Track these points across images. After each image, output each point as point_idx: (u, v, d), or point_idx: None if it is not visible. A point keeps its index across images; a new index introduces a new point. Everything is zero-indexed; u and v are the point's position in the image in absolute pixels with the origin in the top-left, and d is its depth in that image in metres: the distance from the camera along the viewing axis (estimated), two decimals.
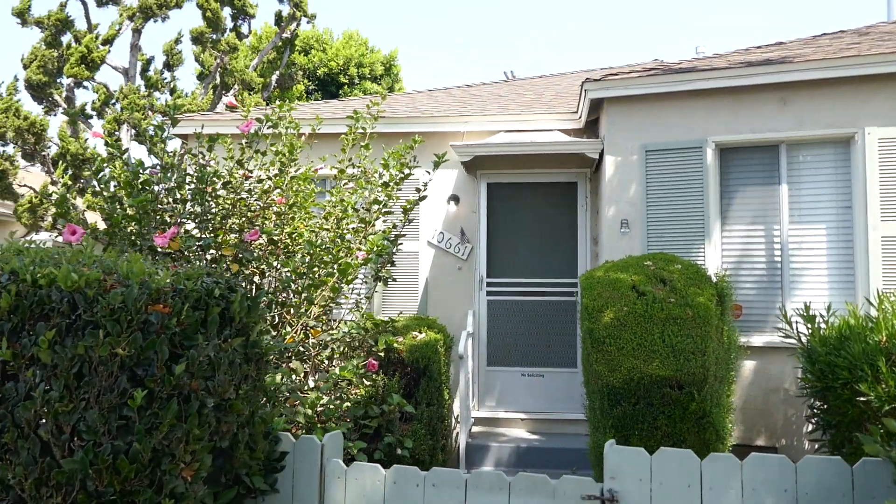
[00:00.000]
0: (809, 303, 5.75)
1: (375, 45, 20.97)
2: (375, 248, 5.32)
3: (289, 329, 5.40)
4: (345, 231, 5.78)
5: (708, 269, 6.60)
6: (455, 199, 8.36)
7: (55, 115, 15.42)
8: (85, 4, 15.88)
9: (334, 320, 6.18)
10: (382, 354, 5.90)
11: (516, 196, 8.36)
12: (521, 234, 8.28)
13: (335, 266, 5.12)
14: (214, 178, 5.40)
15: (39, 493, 2.56)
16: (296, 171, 6.10)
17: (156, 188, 5.45)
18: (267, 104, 16.86)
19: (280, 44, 18.18)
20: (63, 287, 2.64)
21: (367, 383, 5.61)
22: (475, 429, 7.85)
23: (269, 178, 5.65)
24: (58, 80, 14.47)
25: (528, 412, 7.94)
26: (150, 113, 13.69)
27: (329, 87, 19.72)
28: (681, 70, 6.92)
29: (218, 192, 5.45)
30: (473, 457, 7.00)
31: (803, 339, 5.60)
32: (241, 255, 5.25)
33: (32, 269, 2.72)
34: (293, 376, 5.21)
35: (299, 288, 5.08)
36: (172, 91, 17.60)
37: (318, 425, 4.84)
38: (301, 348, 4.92)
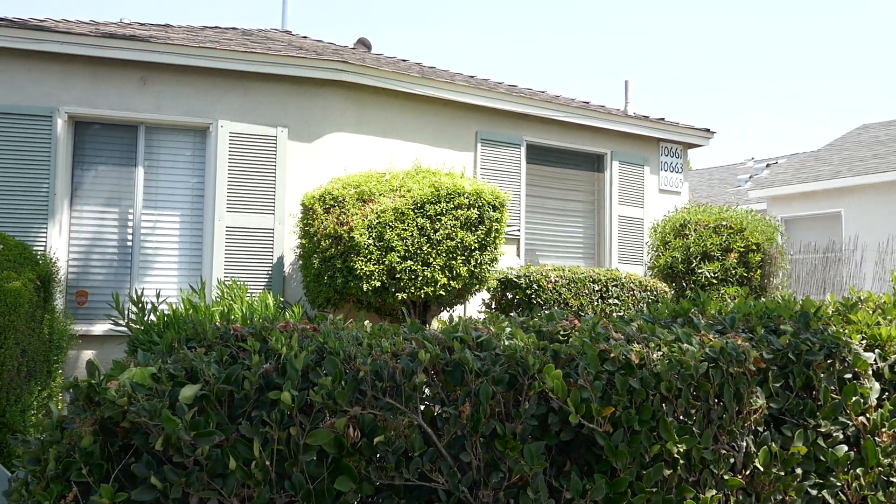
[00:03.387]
0: (143, 290, 5.65)
1: None
2: None
3: None
4: None
5: (50, 251, 6.01)
6: None
7: None
8: None
9: None
10: None
11: None
12: None
13: None
14: None
15: None
16: None
17: None
18: None
19: None
20: None
21: None
22: None
23: None
24: None
25: None
26: None
27: None
28: (35, 27, 6.16)
29: None
30: None
31: (133, 326, 5.44)
32: None
33: None
34: None
35: None
36: None
37: None
38: None
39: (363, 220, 5.53)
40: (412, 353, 2.25)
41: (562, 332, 2.66)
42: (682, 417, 2.51)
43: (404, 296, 5.55)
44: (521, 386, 2.33)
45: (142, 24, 7.81)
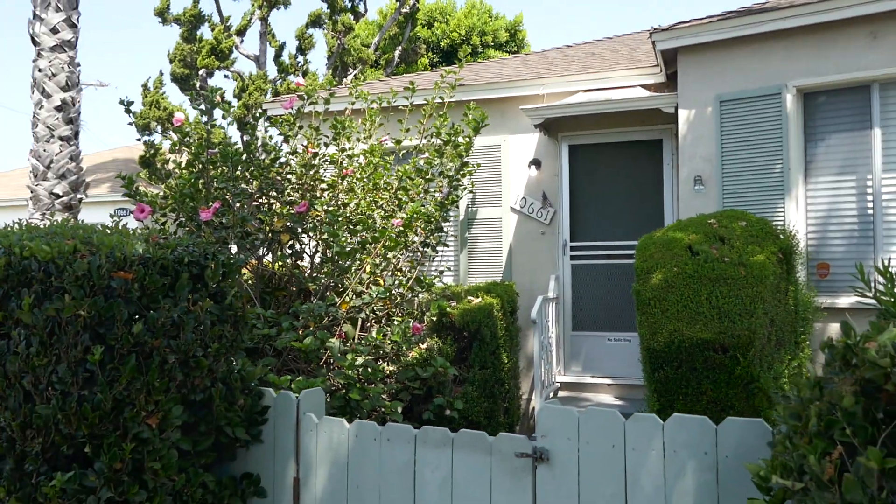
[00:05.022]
0: (889, 259, 5.19)
1: (499, 11, 20.83)
2: (414, 216, 5.45)
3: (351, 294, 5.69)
4: (400, 199, 5.96)
5: (789, 225, 6.14)
6: (536, 163, 8.27)
7: (199, 104, 16.80)
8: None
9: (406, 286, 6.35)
10: (435, 319, 6.04)
11: (599, 157, 8.12)
12: (605, 196, 8.06)
13: (370, 234, 5.30)
14: (266, 153, 5.76)
15: (24, 434, 2.96)
16: (363, 145, 6.37)
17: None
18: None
19: (401, 18, 18.57)
20: (39, 258, 3.01)
21: (423, 347, 5.80)
22: (561, 393, 7.83)
23: (328, 154, 5.94)
24: (199, 73, 15.75)
25: (614, 377, 7.78)
26: (266, 96, 14.52)
27: (453, 58, 19.88)
28: (755, 10, 6.40)
29: (273, 168, 5.80)
30: None
31: (882, 298, 5.08)
32: (291, 226, 5.58)
33: (21, 243, 3.12)
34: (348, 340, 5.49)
35: (334, 256, 5.33)
36: (304, 73, 18.54)
37: (357, 385, 5.09)
38: (339, 314, 5.15)
39: None
40: None
41: None
42: None
43: None
44: None
45: None
